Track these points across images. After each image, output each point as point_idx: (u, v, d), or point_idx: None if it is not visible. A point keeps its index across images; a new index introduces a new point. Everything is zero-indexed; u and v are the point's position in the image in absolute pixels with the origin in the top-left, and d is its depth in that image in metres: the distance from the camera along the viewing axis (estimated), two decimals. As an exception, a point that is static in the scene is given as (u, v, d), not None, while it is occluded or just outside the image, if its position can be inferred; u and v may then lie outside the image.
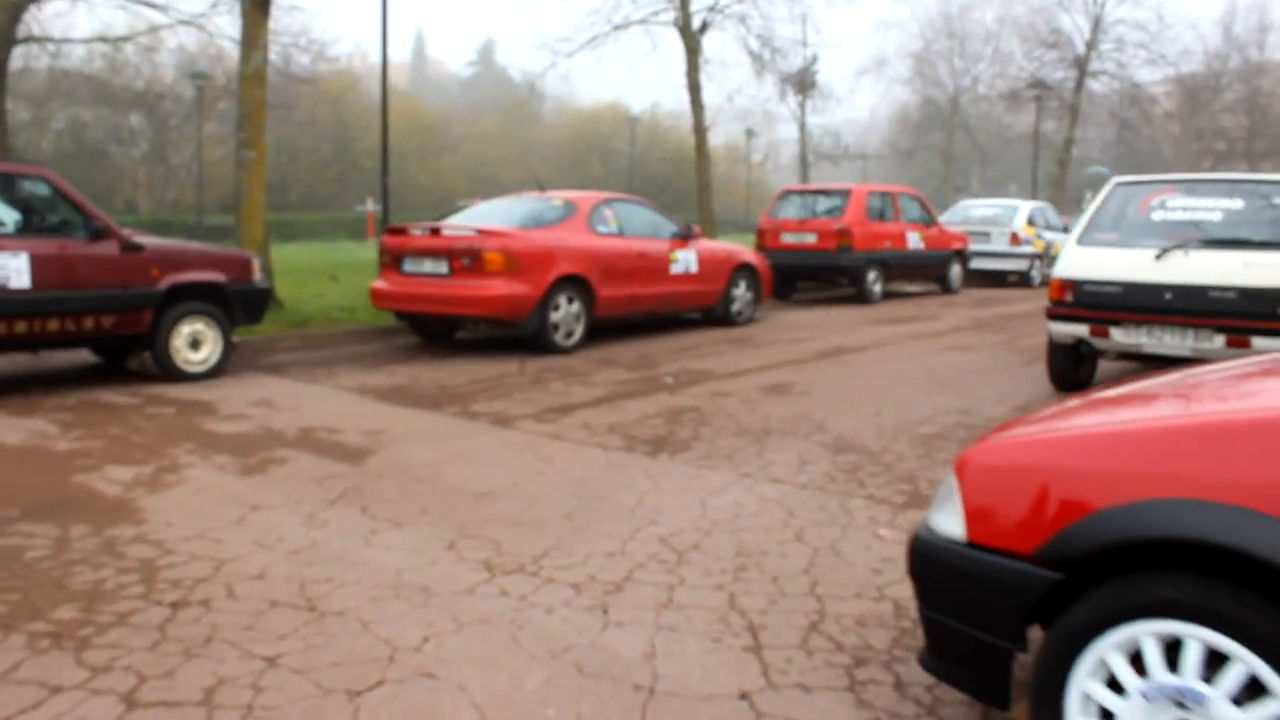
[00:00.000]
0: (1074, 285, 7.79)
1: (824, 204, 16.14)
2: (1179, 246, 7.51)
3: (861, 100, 75.09)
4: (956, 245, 17.97)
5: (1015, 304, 16.36)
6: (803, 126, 34.85)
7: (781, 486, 5.39)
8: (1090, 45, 32.88)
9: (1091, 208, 8.28)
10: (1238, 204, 7.79)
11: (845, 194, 15.89)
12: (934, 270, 17.60)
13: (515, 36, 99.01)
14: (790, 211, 16.23)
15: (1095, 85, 34.59)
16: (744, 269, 12.67)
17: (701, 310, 12.28)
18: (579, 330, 10.29)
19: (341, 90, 50.90)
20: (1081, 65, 33.06)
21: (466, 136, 64.42)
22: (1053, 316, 7.97)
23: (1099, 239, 7.98)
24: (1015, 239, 19.81)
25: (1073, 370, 8.29)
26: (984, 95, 47.59)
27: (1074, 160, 40.89)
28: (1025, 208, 20.59)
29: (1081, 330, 7.79)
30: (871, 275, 15.72)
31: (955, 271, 18.03)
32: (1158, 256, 7.51)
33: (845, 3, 27.01)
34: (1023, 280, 20.23)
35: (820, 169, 42.70)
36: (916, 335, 12.02)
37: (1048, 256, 20.66)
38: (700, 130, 19.29)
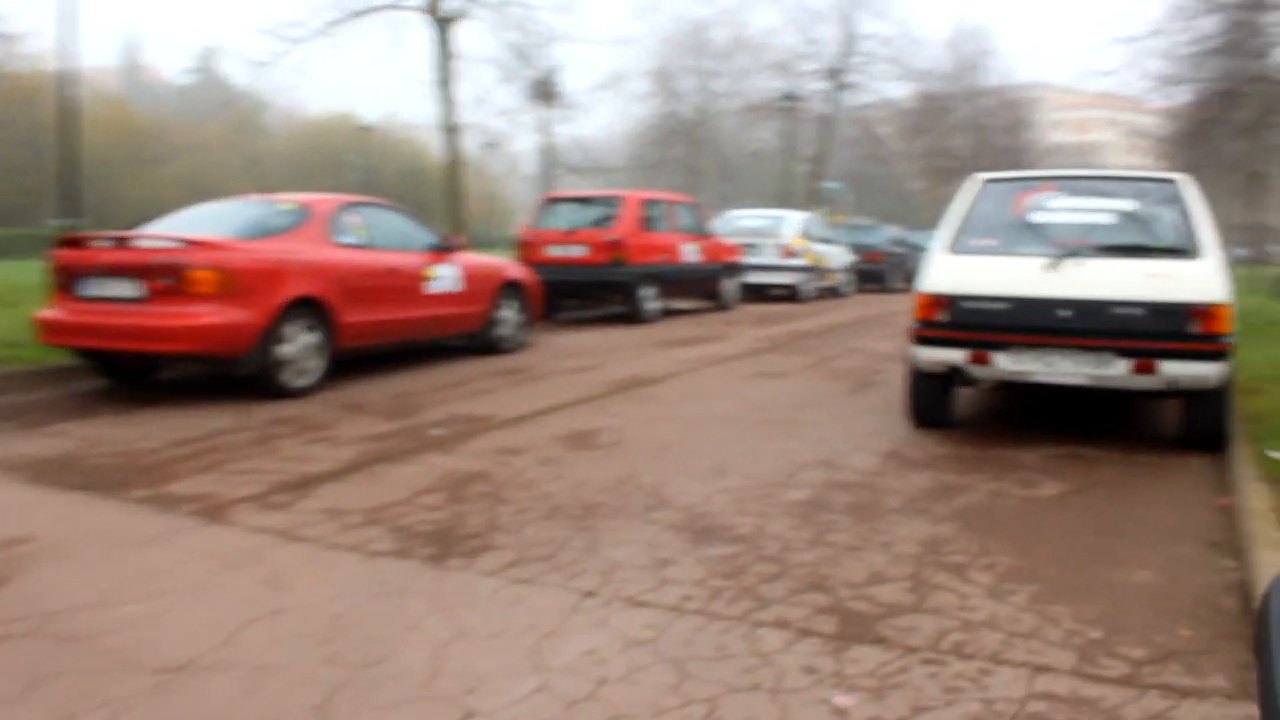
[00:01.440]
0: (949, 302, 6.37)
1: (593, 213, 14.50)
2: (1072, 254, 6.22)
3: (600, 117, 74.47)
4: (731, 258, 16.72)
5: (800, 320, 15.22)
6: (548, 135, 33.38)
7: (647, 612, 3.60)
8: (843, 58, 32.87)
9: (958, 208, 6.91)
10: (1127, 204, 6.60)
11: (618, 201, 14.29)
12: (709, 285, 16.27)
13: (241, 32, 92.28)
14: (556, 221, 14.49)
15: (846, 98, 34.76)
16: (512, 287, 10.83)
17: (465, 336, 10.34)
18: (317, 367, 8.17)
19: (37, 89, 45.74)
20: (836, 77, 33.00)
21: (184, 147, 59.66)
22: (921, 340, 6.52)
23: (974, 245, 6.61)
24: (788, 251, 18.81)
25: (940, 404, 6.91)
26: (728, 110, 47.51)
27: (805, 175, 41.14)
28: (796, 219, 19.68)
29: (958, 356, 6.38)
30: (647, 291, 14.18)
31: (730, 286, 16.78)
32: (1049, 266, 6.20)
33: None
34: (792, 295, 19.27)
35: (565, 182, 41.36)
36: (712, 360, 10.50)
37: (819, 270, 19.83)
38: (453, 129, 17.30)
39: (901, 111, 45.02)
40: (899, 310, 17.83)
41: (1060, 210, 6.63)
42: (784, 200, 30.94)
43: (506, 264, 11.04)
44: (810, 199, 32.09)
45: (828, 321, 15.11)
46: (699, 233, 15.76)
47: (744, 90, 48.18)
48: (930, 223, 44.72)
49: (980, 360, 6.35)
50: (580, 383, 8.83)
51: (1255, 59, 27.85)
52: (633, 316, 14.16)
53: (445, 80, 17.06)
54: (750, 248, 18.32)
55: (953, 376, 6.64)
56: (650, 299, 14.26)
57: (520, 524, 4.66)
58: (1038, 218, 6.63)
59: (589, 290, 14.38)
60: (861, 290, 23.74)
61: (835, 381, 9.08)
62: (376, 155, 60.52)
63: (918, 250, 27.23)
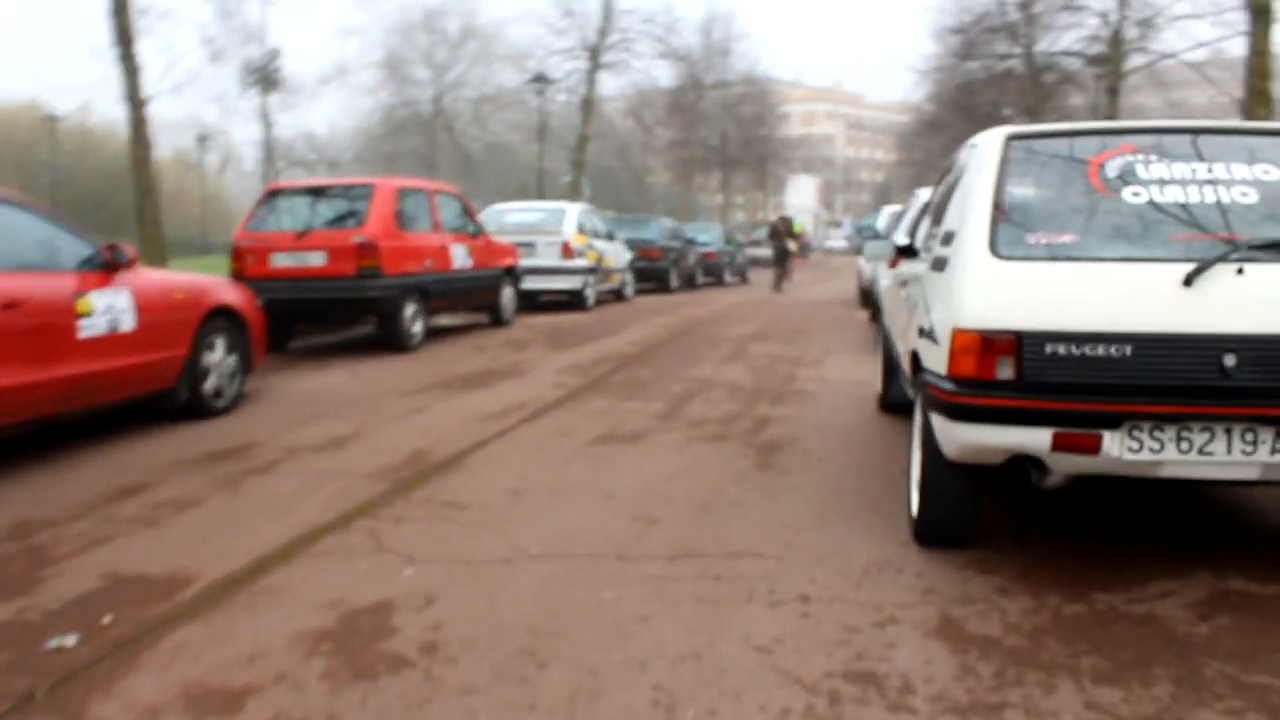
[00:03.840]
0: (1018, 345, 3.56)
1: (332, 208, 11.03)
2: (1225, 257, 3.54)
3: (326, 109, 69.76)
4: (508, 261, 13.57)
5: (602, 337, 12.27)
6: (270, 124, 29.26)
7: None
8: (602, 34, 30.14)
9: (980, 182, 4.10)
10: (1269, 170, 3.96)
11: (364, 192, 10.86)
12: (486, 296, 13.05)
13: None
14: (282, 221, 10.93)
15: (605, 80, 32.17)
16: (222, 317, 7.38)
17: (150, 396, 6.84)
18: None
19: None
20: (594, 55, 30.20)
21: None
22: (963, 413, 3.68)
23: (1039, 245, 3.80)
24: (568, 250, 15.84)
25: (971, 512, 4.11)
26: (466, 99, 44.26)
27: (549, 171, 38.49)
28: (573, 211, 16.72)
29: (1034, 440, 3.58)
30: (410, 309, 10.89)
31: (508, 296, 13.63)
32: (1189, 279, 3.50)
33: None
34: (576, 301, 16.35)
35: (291, 177, 36.98)
36: (523, 411, 7.41)
37: (601, 270, 17.02)
38: (137, 102, 13.24)
39: (647, 102, 42.92)
40: (705, 319, 15.15)
41: (1170, 183, 3.93)
42: (530, 194, 28.11)
43: (212, 284, 7.54)
44: (573, 191, 29.26)
45: (637, 338, 12.22)
46: (469, 231, 12.55)
47: (481, 80, 45.26)
48: (681, 216, 42.94)
49: (1076, 445, 3.56)
50: (335, 473, 5.57)
51: (1027, 42, 27.09)
52: (392, 343, 10.84)
53: (126, 35, 13.01)
54: (525, 247, 15.25)
55: (1015, 471, 3.83)
56: (415, 319, 10.98)
57: None
58: (1135, 196, 3.90)
59: (331, 311, 10.95)
60: (640, 291, 21.08)
61: (722, 446, 6.17)
62: (70, 152, 53.60)
63: (695, 245, 24.91)
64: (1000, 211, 3.92)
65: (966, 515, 4.07)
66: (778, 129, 60.15)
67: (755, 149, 52.35)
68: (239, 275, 10.30)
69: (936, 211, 5.02)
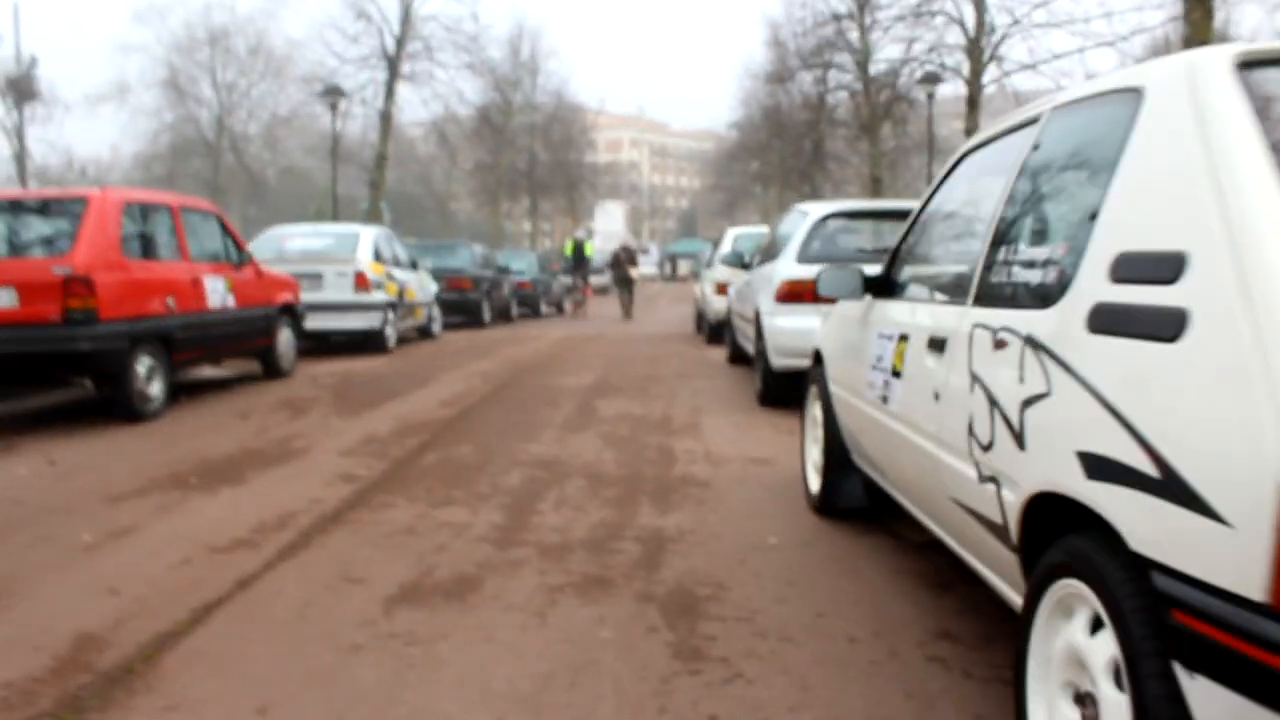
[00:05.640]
0: None
1: (28, 230, 8.16)
2: None
3: (104, 133, 64.55)
4: (285, 297, 10.81)
5: (404, 394, 9.67)
6: (21, 140, 25.58)
7: None
8: (400, 42, 27.32)
9: (1237, 146, 1.87)
10: None
11: (75, 207, 7.97)
12: (253, 342, 10.27)
13: None
14: (-40, 247, 8.01)
15: (405, 91, 29.42)
16: None
17: None
18: None
19: None
20: (393, 65, 27.34)
21: None
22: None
23: None
24: (363, 282, 13.16)
25: None
26: (262, 118, 40.85)
27: (348, 198, 35.66)
28: (369, 236, 14.02)
29: None
30: (144, 365, 8.08)
31: (286, 340, 10.86)
32: None
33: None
34: (373, 342, 13.67)
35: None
36: (284, 534, 4.84)
37: (403, 305, 14.42)
38: None
39: (453, 120, 40.35)
40: (532, 362, 12.66)
41: None
42: (327, 221, 25.28)
43: None
44: (372, 216, 26.41)
45: (451, 394, 9.68)
46: (232, 260, 9.78)
47: (273, 101, 42.19)
48: (488, 243, 40.59)
49: None
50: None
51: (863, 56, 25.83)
52: (120, 410, 8.02)
53: None
54: (308, 280, 12.50)
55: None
56: (151, 377, 8.18)
57: None
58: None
59: (23, 371, 8.04)
60: (450, 326, 18.50)
61: (609, 606, 3.76)
62: None
63: (510, 274, 22.55)
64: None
65: None
66: (586, 154, 58.32)
67: (564, 173, 50.43)
68: (-111, 323, 7.37)
69: (1028, 220, 2.77)
